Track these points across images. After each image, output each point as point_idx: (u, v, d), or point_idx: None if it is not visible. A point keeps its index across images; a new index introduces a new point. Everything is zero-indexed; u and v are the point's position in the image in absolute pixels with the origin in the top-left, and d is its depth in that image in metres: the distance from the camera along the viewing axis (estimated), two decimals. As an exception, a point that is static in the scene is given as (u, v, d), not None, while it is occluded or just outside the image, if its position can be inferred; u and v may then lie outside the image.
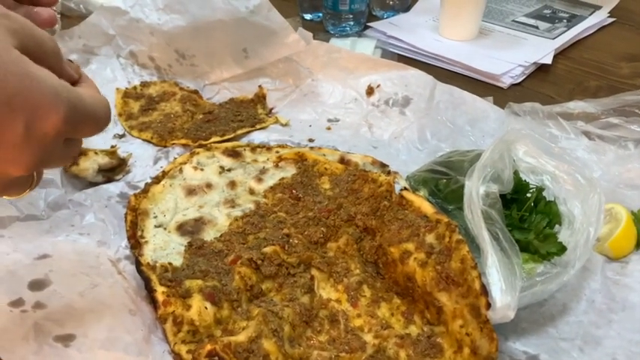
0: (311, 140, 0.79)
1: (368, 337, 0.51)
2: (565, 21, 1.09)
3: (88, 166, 0.68)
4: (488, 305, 0.46)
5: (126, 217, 0.63)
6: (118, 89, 0.84)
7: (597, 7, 1.14)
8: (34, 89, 0.33)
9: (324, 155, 0.72)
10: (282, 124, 0.82)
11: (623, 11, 1.13)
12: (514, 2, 1.17)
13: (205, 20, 0.83)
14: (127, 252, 0.60)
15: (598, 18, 1.10)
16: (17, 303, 0.48)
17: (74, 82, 0.39)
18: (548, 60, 0.96)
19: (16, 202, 0.61)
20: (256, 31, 0.82)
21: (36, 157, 0.35)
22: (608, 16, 1.11)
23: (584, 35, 1.06)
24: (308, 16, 1.10)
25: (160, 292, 0.51)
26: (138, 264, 0.55)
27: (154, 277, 0.53)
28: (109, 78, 0.85)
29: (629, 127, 0.71)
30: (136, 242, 0.60)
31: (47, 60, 0.35)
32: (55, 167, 0.39)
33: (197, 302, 0.50)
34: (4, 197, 0.40)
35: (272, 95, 0.86)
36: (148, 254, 0.59)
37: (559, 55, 1.00)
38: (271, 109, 0.85)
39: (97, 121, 0.38)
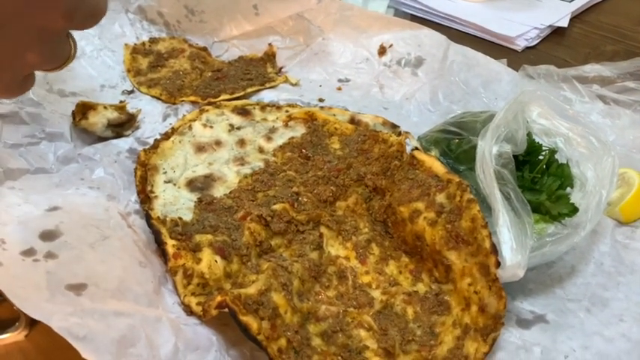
0: (321, 100, 0.78)
1: (376, 294, 0.51)
2: (583, -17, 1.06)
3: (97, 120, 0.68)
4: (498, 264, 0.46)
5: (135, 172, 0.63)
6: (126, 45, 0.83)
7: (617, -30, 1.10)
8: None
9: (335, 115, 0.72)
10: (292, 84, 0.81)
11: (643, -26, 1.10)
12: (531, -37, 1.14)
13: (216, -25, 0.81)
14: (137, 206, 0.60)
15: (617, -19, 1.07)
16: (29, 252, 0.48)
17: None
18: (564, 23, 0.94)
19: (26, 155, 0.61)
20: (267, -14, 0.81)
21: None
22: (628, -21, 1.08)
23: (601, -1, 1.04)
24: (319, -26, 1.08)
25: (171, 245, 0.51)
26: (148, 217, 0.55)
27: (164, 231, 0.53)
28: (117, 33, 0.84)
29: (645, 91, 0.70)
30: (145, 197, 0.60)
31: None
32: (90, 21, 0.37)
33: (207, 256, 0.51)
34: (49, 71, 0.40)
35: (282, 54, 0.85)
36: (158, 209, 0.59)
37: (575, 18, 0.97)
38: (281, 67, 0.84)
39: (96, 13, 0.38)
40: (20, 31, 0.35)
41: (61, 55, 0.39)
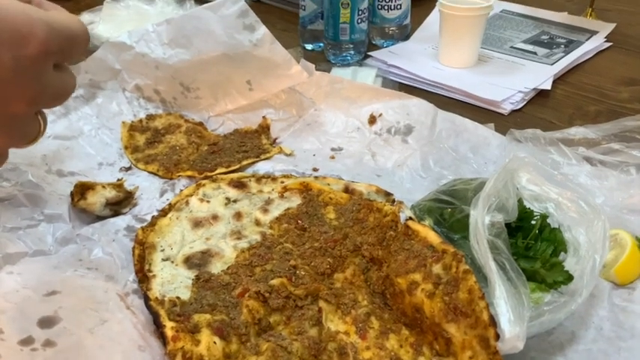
0: (315, 169, 0.79)
1: (377, 370, 0.51)
2: (562, 46, 1.10)
3: (96, 200, 0.69)
4: (497, 336, 0.46)
5: (133, 251, 0.63)
6: (124, 122, 0.85)
7: (594, 32, 1.15)
8: (4, 19, 0.32)
9: (329, 185, 0.73)
10: (287, 154, 0.83)
11: (619, 36, 1.15)
12: (512, 29, 1.19)
13: (210, 54, 0.84)
14: (135, 286, 0.60)
15: (595, 43, 1.12)
16: (27, 341, 0.48)
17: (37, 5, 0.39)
18: (548, 85, 0.97)
19: (25, 238, 0.61)
20: (260, 63, 0.84)
21: (33, 87, 0.35)
22: (605, 41, 1.13)
23: (582, 60, 1.08)
24: (309, 46, 1.12)
25: (169, 327, 0.51)
26: (146, 299, 0.55)
27: (162, 312, 0.53)
28: (115, 112, 0.86)
29: (630, 152, 0.72)
30: (143, 276, 0.60)
31: None
32: (56, 102, 0.38)
33: (206, 337, 0.50)
34: (20, 147, 0.39)
35: (276, 125, 0.87)
36: (156, 288, 0.59)
37: (558, 80, 1.01)
38: (275, 139, 0.86)
39: (76, 36, 0.37)
40: None
41: (30, 133, 0.39)
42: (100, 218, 0.69)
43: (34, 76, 0.35)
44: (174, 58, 0.85)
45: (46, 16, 0.35)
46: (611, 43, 1.13)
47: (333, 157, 0.82)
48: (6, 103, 0.35)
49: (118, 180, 0.74)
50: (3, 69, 0.33)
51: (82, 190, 0.69)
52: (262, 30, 0.83)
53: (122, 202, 0.71)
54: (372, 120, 0.85)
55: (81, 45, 0.38)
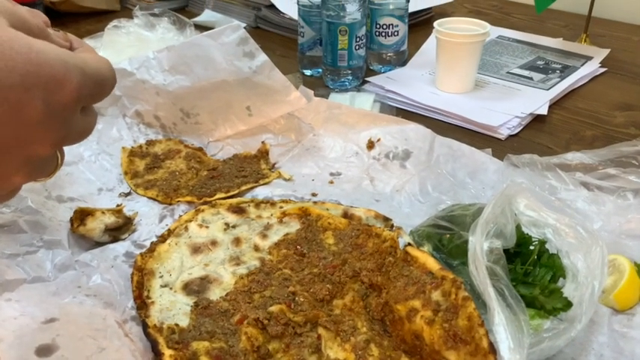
0: (314, 194, 0.80)
1: (377, 398, 0.50)
2: (558, 72, 1.12)
3: (95, 226, 0.69)
4: (497, 364, 0.46)
5: (132, 278, 0.63)
6: (124, 148, 0.86)
7: (589, 58, 1.17)
8: (42, 63, 0.33)
9: (328, 210, 0.73)
10: (286, 179, 0.83)
11: (614, 61, 1.17)
12: (508, 54, 1.21)
13: (210, 80, 0.85)
14: (134, 312, 0.60)
15: (590, 68, 1.13)
16: (25, 370, 0.48)
17: (69, 49, 0.39)
18: (544, 110, 0.98)
19: (24, 265, 0.61)
20: (259, 89, 0.85)
21: (59, 131, 0.35)
22: (600, 66, 1.15)
23: (577, 85, 1.09)
24: (308, 72, 1.14)
25: (168, 355, 0.51)
26: (145, 326, 0.55)
27: (161, 340, 0.53)
28: (115, 137, 0.87)
29: (627, 177, 0.72)
30: (142, 303, 0.60)
31: (35, 36, 0.35)
32: (77, 141, 0.39)
33: (205, 365, 0.50)
34: (36, 182, 0.40)
35: (275, 150, 0.88)
36: (155, 315, 0.59)
37: (554, 105, 1.02)
38: (274, 164, 0.87)
39: (106, 81, 0.38)
40: (7, 161, 0.36)
41: (47, 170, 0.40)
42: (99, 244, 0.69)
43: (63, 122, 0.35)
44: (175, 84, 0.86)
45: (81, 61, 0.36)
46: (605, 69, 1.14)
47: (331, 182, 0.83)
48: (31, 145, 0.35)
49: (118, 206, 0.74)
50: (34, 112, 0.33)
51: (81, 215, 0.69)
52: (262, 57, 0.84)
53: (121, 227, 0.71)
54: (371, 145, 0.86)
55: (109, 89, 0.39)
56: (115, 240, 0.70)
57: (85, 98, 0.36)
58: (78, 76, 0.35)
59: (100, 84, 0.38)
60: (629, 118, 0.98)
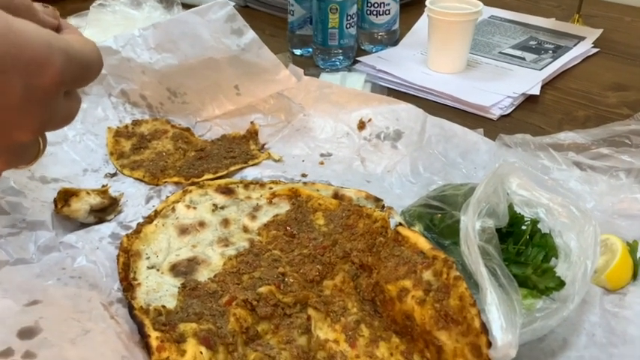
0: (304, 175, 0.78)
1: (367, 379, 0.50)
2: (550, 52, 1.11)
3: (80, 206, 0.67)
4: (489, 344, 0.45)
5: (118, 259, 0.62)
6: (109, 128, 0.84)
7: (581, 38, 1.16)
8: (22, 44, 0.31)
9: (318, 190, 0.72)
10: (275, 160, 0.82)
11: (606, 41, 1.16)
12: (500, 34, 1.19)
13: (197, 58, 0.83)
14: (119, 295, 0.58)
15: (582, 48, 1.12)
16: (6, 353, 0.47)
17: (56, 30, 0.38)
18: (536, 91, 0.97)
19: (6, 246, 0.60)
20: (248, 68, 0.83)
21: (41, 116, 0.33)
22: (592, 47, 1.14)
23: (569, 66, 1.08)
24: (298, 52, 1.12)
25: (154, 337, 0.50)
26: (131, 308, 0.54)
27: (147, 322, 0.51)
28: (100, 117, 0.85)
29: (619, 157, 0.72)
30: (128, 285, 0.59)
31: (20, 13, 0.33)
32: (60, 127, 0.37)
33: (192, 347, 0.49)
34: (17, 169, 0.38)
35: (264, 131, 0.86)
36: (141, 297, 0.57)
37: (546, 85, 1.01)
38: (264, 144, 0.85)
39: (91, 65, 0.36)
40: None
41: (29, 156, 0.38)
42: (84, 225, 0.68)
43: (44, 106, 0.33)
44: (161, 62, 0.84)
45: (65, 43, 0.34)
46: (598, 49, 1.13)
47: (322, 163, 0.82)
48: (10, 130, 0.33)
49: (103, 186, 0.73)
50: (12, 96, 0.31)
51: (65, 196, 0.67)
52: (250, 34, 0.82)
53: (107, 208, 0.70)
54: (362, 125, 0.84)
55: (94, 73, 0.37)
56: (101, 221, 0.69)
57: (68, 82, 0.34)
58: (61, 58, 0.33)
59: (85, 67, 0.36)
60: (621, 98, 0.97)
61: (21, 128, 0.34)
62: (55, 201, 0.67)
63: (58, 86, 0.33)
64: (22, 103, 0.32)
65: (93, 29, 1.11)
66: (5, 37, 0.30)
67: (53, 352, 0.47)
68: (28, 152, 0.37)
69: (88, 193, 0.69)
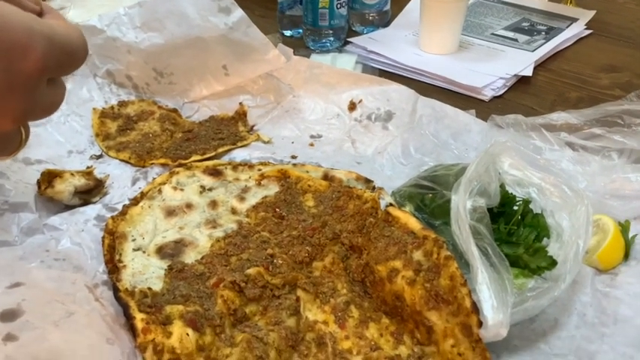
0: (294, 157, 0.77)
1: (357, 360, 0.49)
2: (543, 33, 1.10)
3: (64, 188, 0.66)
4: (480, 323, 0.45)
5: (103, 241, 0.61)
6: (94, 109, 0.82)
7: (574, 20, 1.15)
8: (2, 28, 0.30)
9: (308, 172, 0.71)
10: (265, 142, 0.80)
11: (599, 23, 1.14)
12: (492, 16, 1.18)
13: (183, 38, 0.81)
14: (105, 277, 0.57)
15: (575, 30, 1.11)
16: (-13, 336, 0.45)
17: (39, 14, 0.36)
18: (529, 72, 0.96)
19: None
20: (236, 47, 0.81)
21: (22, 104, 0.32)
22: (585, 28, 1.12)
23: (562, 47, 1.07)
24: (288, 33, 1.10)
25: (139, 319, 0.49)
26: (115, 290, 0.53)
27: (132, 304, 0.50)
28: (85, 98, 0.83)
29: (611, 137, 0.71)
30: (113, 267, 0.58)
31: None
32: (43, 116, 0.36)
33: (178, 329, 0.48)
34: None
35: (253, 112, 0.85)
36: (127, 279, 0.56)
37: (539, 67, 1.00)
38: (252, 126, 0.84)
39: (75, 51, 0.35)
40: None
41: (11, 147, 0.36)
42: (69, 207, 0.67)
43: (25, 93, 0.32)
44: (147, 42, 0.82)
45: (48, 28, 0.32)
46: (591, 31, 1.12)
47: (312, 145, 0.80)
48: None
49: (88, 168, 0.71)
50: None
51: (49, 178, 0.66)
52: (238, 12, 0.80)
53: (92, 190, 0.68)
54: (352, 106, 0.83)
55: (79, 60, 0.36)
56: (86, 203, 0.68)
57: (51, 69, 0.33)
58: (43, 42, 0.31)
59: (69, 54, 0.34)
60: (613, 79, 0.97)
61: (1, 116, 0.32)
62: (39, 182, 0.65)
63: (41, 72, 0.32)
64: (2, 90, 0.31)
65: (78, 10, 1.08)
66: None
67: (35, 334, 0.46)
68: (9, 142, 0.36)
69: (72, 174, 0.67)
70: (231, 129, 0.82)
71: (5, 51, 0.30)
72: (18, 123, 0.34)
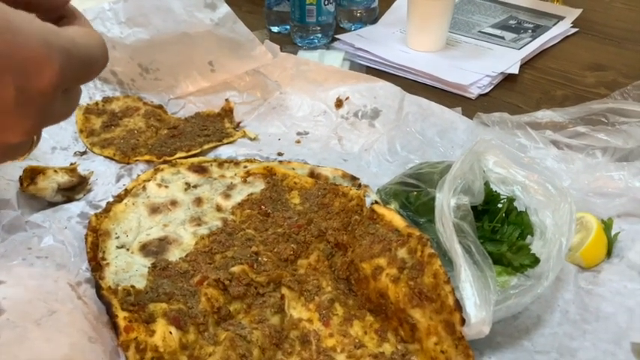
0: (280, 154, 0.77)
1: (341, 358, 0.49)
2: (530, 31, 1.10)
3: (47, 185, 0.65)
4: (463, 321, 0.45)
5: (86, 239, 0.60)
6: (79, 105, 0.81)
7: (561, 18, 1.15)
8: (19, 43, 0.28)
9: (294, 169, 0.71)
10: (251, 138, 0.80)
11: (585, 22, 1.15)
12: (480, 13, 1.18)
13: (169, 33, 0.81)
14: (88, 275, 0.57)
15: (562, 28, 1.11)
16: (-34, 335, 0.45)
17: (59, 18, 0.35)
18: (515, 70, 0.97)
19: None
20: (222, 43, 0.81)
21: (35, 119, 0.31)
22: (572, 27, 1.13)
23: (548, 45, 1.07)
24: (275, 29, 1.09)
25: (122, 317, 0.49)
26: (98, 288, 0.52)
27: (115, 302, 0.50)
28: (69, 93, 0.82)
29: (596, 135, 0.71)
30: (96, 265, 0.57)
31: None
32: (57, 122, 0.35)
33: (161, 327, 0.48)
34: (5, 162, 0.36)
35: (239, 109, 0.84)
36: (110, 277, 0.56)
37: (525, 65, 1.00)
38: (239, 122, 0.83)
39: (94, 63, 0.33)
40: None
41: (19, 153, 0.35)
42: (52, 205, 0.66)
43: (39, 109, 0.31)
44: (132, 37, 0.82)
45: (68, 41, 0.31)
46: (577, 29, 1.13)
47: (298, 142, 0.80)
48: (4, 134, 0.31)
49: (72, 164, 0.70)
50: (4, 100, 0.29)
51: (31, 174, 0.65)
52: (224, 8, 0.79)
53: (75, 187, 0.68)
54: (339, 103, 0.83)
55: (98, 69, 0.34)
56: (69, 200, 0.67)
57: (68, 82, 0.32)
58: (60, 57, 0.30)
59: (88, 64, 0.33)
60: (599, 78, 0.97)
61: (12, 131, 0.31)
62: (21, 179, 0.65)
63: (56, 88, 0.31)
64: (14, 107, 0.29)
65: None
66: (1, 36, 0.28)
67: (16, 334, 0.46)
68: (19, 150, 0.34)
69: (55, 171, 0.67)
70: (217, 125, 0.81)
71: (18, 68, 0.28)
72: (30, 136, 0.33)
